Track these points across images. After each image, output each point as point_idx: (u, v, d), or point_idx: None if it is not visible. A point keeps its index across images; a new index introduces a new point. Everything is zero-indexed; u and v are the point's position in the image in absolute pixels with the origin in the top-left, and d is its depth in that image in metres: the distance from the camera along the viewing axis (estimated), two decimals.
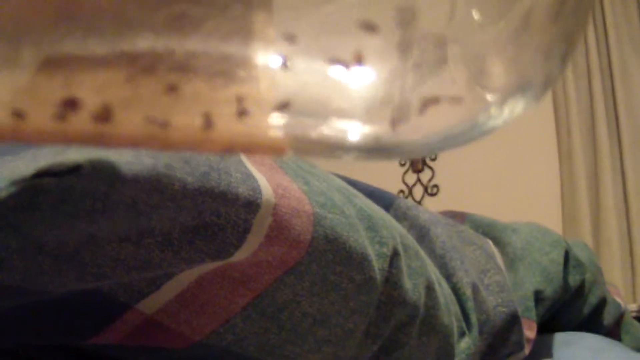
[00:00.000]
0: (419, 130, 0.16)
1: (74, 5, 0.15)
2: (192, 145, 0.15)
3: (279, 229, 0.29)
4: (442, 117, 0.16)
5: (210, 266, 0.29)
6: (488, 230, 0.59)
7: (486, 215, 0.62)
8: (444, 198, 2.47)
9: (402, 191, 2.56)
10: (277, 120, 0.15)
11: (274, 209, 0.29)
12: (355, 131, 0.16)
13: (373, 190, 0.51)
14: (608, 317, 0.64)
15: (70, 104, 0.14)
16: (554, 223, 2.15)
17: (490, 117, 0.17)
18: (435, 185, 2.54)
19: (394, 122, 0.16)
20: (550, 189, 2.24)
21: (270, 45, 0.15)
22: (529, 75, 0.17)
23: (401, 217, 0.50)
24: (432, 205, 2.42)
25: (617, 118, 2.15)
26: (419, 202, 2.51)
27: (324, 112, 0.16)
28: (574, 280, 0.58)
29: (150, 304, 0.28)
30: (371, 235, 0.36)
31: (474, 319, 0.45)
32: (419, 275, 0.39)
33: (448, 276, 0.46)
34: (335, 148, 0.16)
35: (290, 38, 0.15)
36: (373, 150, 0.17)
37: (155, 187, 0.25)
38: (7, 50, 0.15)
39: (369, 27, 0.15)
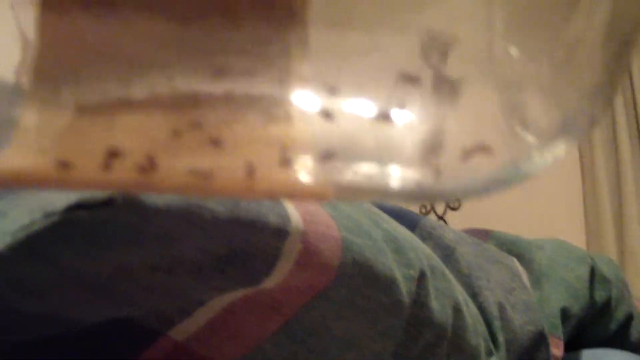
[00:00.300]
0: (460, 177, 0.16)
1: (114, 49, 0.15)
2: (234, 194, 0.15)
3: (308, 255, 0.30)
4: (483, 164, 0.16)
5: (240, 293, 0.29)
6: (512, 247, 0.59)
7: (509, 230, 0.62)
8: (466, 212, 2.46)
9: (424, 205, 2.55)
10: (319, 168, 0.15)
11: (303, 235, 0.29)
12: (397, 177, 0.16)
13: (398, 210, 0.51)
14: (635, 333, 0.64)
15: (115, 154, 0.14)
16: (577, 236, 2.13)
17: (532, 163, 0.17)
18: (457, 199, 2.52)
19: (436, 169, 0.16)
20: (573, 203, 2.23)
21: (309, 90, 0.15)
22: (573, 115, 0.17)
23: (426, 237, 0.51)
24: (455, 219, 2.41)
25: (639, 130, 2.13)
26: (442, 217, 2.50)
27: (365, 159, 0.16)
28: (600, 296, 0.58)
29: (181, 331, 0.29)
30: (398, 258, 0.36)
31: (501, 338, 0.45)
32: (445, 296, 0.39)
33: (474, 295, 0.46)
34: (376, 193, 0.17)
35: (332, 90, 0.15)
36: (414, 195, 0.17)
37: (186, 217, 0.26)
38: (48, 91, 0.15)
39: (410, 79, 0.15)
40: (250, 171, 0.15)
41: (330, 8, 0.16)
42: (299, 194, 0.16)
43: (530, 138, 0.17)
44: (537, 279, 0.55)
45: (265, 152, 0.15)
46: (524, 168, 0.17)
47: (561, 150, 0.17)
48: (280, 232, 0.28)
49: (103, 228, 0.24)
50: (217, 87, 0.15)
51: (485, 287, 0.47)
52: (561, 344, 0.51)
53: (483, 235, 0.61)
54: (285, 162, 0.15)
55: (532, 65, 0.17)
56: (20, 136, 0.15)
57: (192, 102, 0.15)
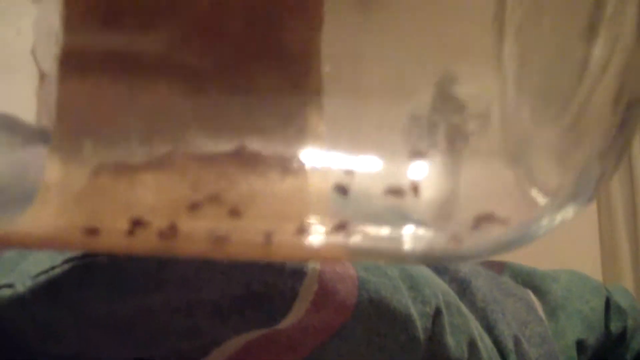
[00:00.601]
0: (472, 242, 0.17)
1: (134, 110, 0.16)
2: (252, 258, 0.16)
3: (325, 295, 0.30)
4: (493, 230, 0.17)
5: (257, 333, 0.30)
6: (528, 279, 0.59)
7: (524, 261, 0.62)
8: None
9: None
10: (334, 237, 0.16)
11: (320, 276, 0.30)
12: (410, 243, 0.16)
13: None
14: None
15: (139, 222, 0.15)
16: (593, 266, 2.11)
17: (540, 227, 0.17)
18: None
19: (448, 237, 0.17)
20: (589, 232, 2.21)
21: (325, 155, 0.16)
22: (583, 177, 0.17)
23: (442, 271, 0.51)
24: None
25: None
26: None
27: (379, 227, 0.16)
28: (615, 327, 0.58)
29: None
30: (414, 294, 0.36)
31: None
32: (461, 331, 0.39)
33: (489, 329, 0.46)
34: (389, 257, 0.17)
35: (348, 172, 0.16)
36: (426, 258, 0.17)
37: (206, 262, 0.26)
38: (69, 147, 0.16)
39: (419, 154, 0.16)
40: (269, 240, 0.15)
41: (343, 75, 0.16)
42: (313, 258, 0.16)
43: (541, 200, 0.17)
44: (552, 311, 0.55)
45: (283, 222, 0.15)
46: (533, 231, 0.17)
47: (571, 212, 0.17)
48: (298, 273, 0.29)
49: (122, 274, 0.25)
50: (236, 151, 0.16)
51: (501, 321, 0.47)
52: None
53: (498, 267, 0.61)
54: (303, 232, 0.16)
55: (542, 128, 0.17)
56: (44, 192, 0.15)
57: (210, 168, 0.15)
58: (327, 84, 0.16)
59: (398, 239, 0.17)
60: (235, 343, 0.29)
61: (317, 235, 0.16)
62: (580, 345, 0.53)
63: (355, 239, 0.16)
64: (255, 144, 0.16)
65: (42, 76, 0.16)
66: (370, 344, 0.33)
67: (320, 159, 0.16)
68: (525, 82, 0.17)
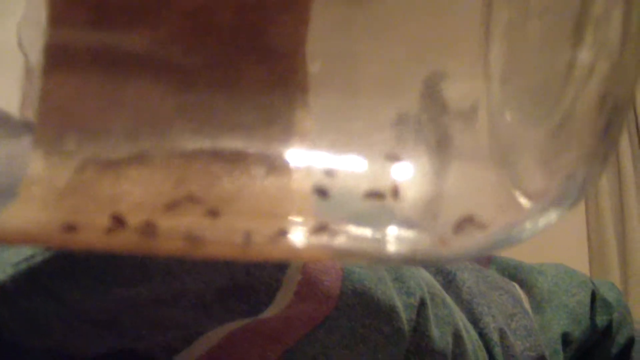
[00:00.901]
0: (455, 244, 0.17)
1: (118, 104, 0.16)
2: (230, 258, 0.16)
3: (308, 286, 0.30)
4: (476, 234, 0.17)
5: (240, 323, 0.30)
6: (514, 272, 0.59)
7: (512, 255, 0.62)
8: None
9: None
10: (316, 238, 0.16)
11: (303, 267, 0.30)
12: (393, 245, 0.16)
13: None
14: (637, 357, 0.64)
15: (118, 220, 0.15)
16: (580, 261, 2.12)
17: (524, 231, 0.17)
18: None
19: (432, 239, 0.17)
20: (577, 227, 2.21)
21: (309, 153, 0.16)
22: (569, 181, 0.17)
23: None
24: None
25: None
26: None
27: (362, 228, 0.16)
28: (601, 320, 0.58)
29: (183, 359, 0.29)
30: (398, 286, 0.36)
31: None
32: (446, 323, 0.40)
33: (475, 322, 0.47)
34: (370, 257, 0.17)
35: (329, 172, 0.16)
36: (410, 260, 0.17)
37: None
38: (52, 140, 0.16)
39: (394, 158, 0.16)
40: (247, 239, 0.15)
41: (330, 73, 0.16)
42: (294, 259, 0.16)
43: (526, 204, 0.17)
44: (538, 304, 0.55)
45: (262, 224, 0.15)
46: (516, 235, 0.17)
47: (555, 216, 0.17)
48: (281, 264, 0.29)
49: (107, 265, 0.25)
50: (219, 149, 0.16)
51: (486, 313, 0.47)
52: None
53: (485, 260, 0.61)
54: (283, 234, 0.15)
55: (528, 130, 0.17)
56: (27, 187, 0.15)
57: (193, 166, 0.15)
58: (314, 82, 0.16)
59: (381, 240, 0.16)
60: (218, 333, 0.29)
61: (298, 235, 0.16)
62: (565, 338, 0.53)
63: (338, 240, 0.16)
64: (238, 142, 0.15)
65: (29, 69, 0.16)
66: (354, 335, 0.33)
67: (305, 158, 0.16)
68: (511, 83, 0.17)
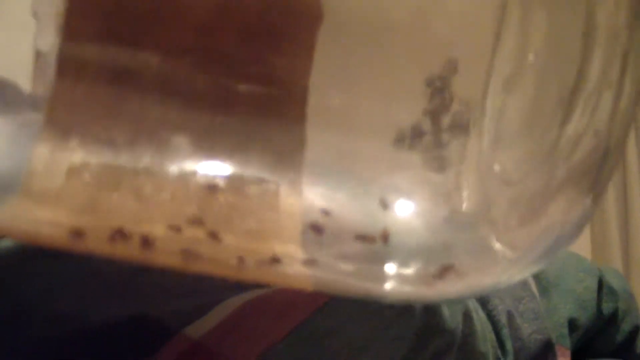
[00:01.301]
0: (437, 288, 0.18)
1: (124, 112, 0.16)
2: (224, 276, 0.16)
3: None
4: (456, 282, 0.17)
5: (254, 293, 0.30)
6: None
7: None
8: None
9: None
10: (304, 270, 0.16)
11: None
12: (378, 284, 0.17)
13: None
14: None
15: (121, 232, 0.15)
16: (583, 247, 2.12)
17: (500, 283, 0.18)
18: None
19: (416, 282, 0.17)
20: None
21: (307, 185, 0.16)
22: (545, 241, 0.17)
23: None
24: None
25: None
26: None
27: (350, 265, 0.17)
28: (607, 308, 0.58)
29: (196, 329, 0.29)
30: None
31: (509, 345, 0.45)
32: (456, 302, 0.40)
33: (483, 303, 0.47)
34: (357, 295, 0.18)
35: (326, 211, 0.16)
36: (394, 300, 0.18)
37: None
38: (58, 138, 0.16)
39: (387, 205, 0.16)
40: (241, 264, 0.16)
41: (329, 106, 0.17)
42: (282, 285, 0.17)
43: (504, 257, 0.18)
44: (545, 289, 0.55)
45: (257, 250, 0.16)
46: (491, 285, 0.19)
47: (529, 272, 0.19)
48: None
49: None
50: (216, 168, 0.16)
51: (495, 295, 0.47)
52: (568, 354, 0.51)
53: None
54: (275, 262, 0.16)
55: (512, 188, 0.17)
56: (27, 184, 0.15)
57: (192, 186, 0.15)
58: (311, 114, 0.16)
59: (368, 279, 0.17)
60: (232, 303, 0.29)
61: (290, 265, 0.16)
62: (572, 323, 0.53)
63: (326, 274, 0.17)
64: (235, 163, 0.16)
65: (38, 53, 0.16)
66: (367, 309, 0.33)
67: (300, 189, 0.16)
68: (501, 142, 0.18)
